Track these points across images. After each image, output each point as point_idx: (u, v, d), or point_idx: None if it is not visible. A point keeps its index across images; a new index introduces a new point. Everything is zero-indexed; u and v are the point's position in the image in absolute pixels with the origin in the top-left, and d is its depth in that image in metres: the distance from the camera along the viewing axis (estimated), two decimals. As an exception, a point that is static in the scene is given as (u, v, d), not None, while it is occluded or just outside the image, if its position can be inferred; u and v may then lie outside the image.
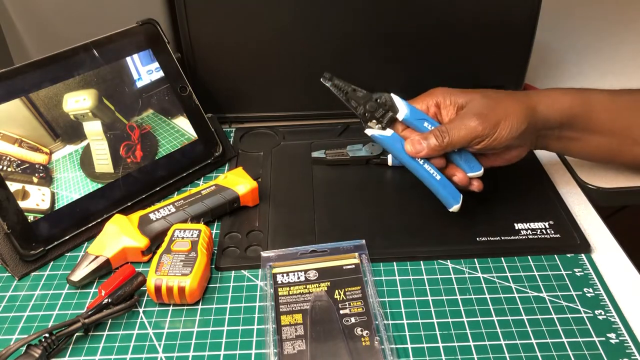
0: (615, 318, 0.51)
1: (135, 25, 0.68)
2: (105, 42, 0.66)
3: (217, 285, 0.56)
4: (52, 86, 0.62)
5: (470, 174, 0.58)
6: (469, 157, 0.58)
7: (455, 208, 0.57)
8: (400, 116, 0.58)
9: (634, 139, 0.60)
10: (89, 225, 0.61)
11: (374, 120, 0.59)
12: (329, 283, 0.54)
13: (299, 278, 0.55)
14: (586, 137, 0.60)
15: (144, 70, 0.68)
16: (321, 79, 0.59)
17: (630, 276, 0.56)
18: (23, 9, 0.70)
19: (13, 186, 0.58)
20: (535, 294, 0.54)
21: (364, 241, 0.58)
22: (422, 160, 0.57)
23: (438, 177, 0.57)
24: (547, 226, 0.60)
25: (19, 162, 0.59)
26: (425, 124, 0.58)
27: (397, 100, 0.59)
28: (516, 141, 0.57)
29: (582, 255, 0.58)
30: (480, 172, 0.58)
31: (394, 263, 0.58)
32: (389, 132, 0.59)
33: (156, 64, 0.69)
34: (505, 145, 0.57)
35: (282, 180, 0.69)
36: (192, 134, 0.70)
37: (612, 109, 0.60)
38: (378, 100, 0.59)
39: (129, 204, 0.64)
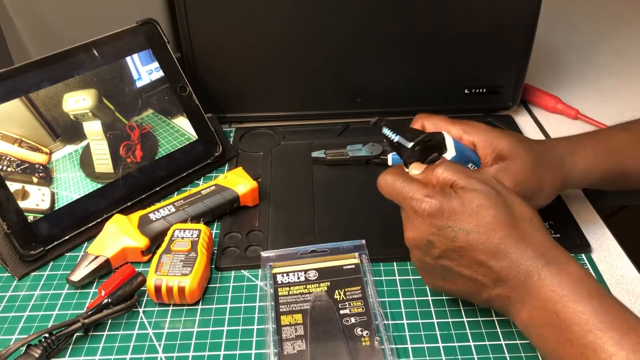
0: (615, 318, 0.51)
1: (135, 25, 0.68)
2: (105, 42, 0.66)
3: (217, 285, 0.56)
4: (52, 86, 0.62)
5: None
6: None
7: None
8: (447, 156, 0.52)
9: None
10: (89, 225, 0.61)
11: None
12: (329, 283, 0.54)
13: (299, 278, 0.55)
14: (622, 183, 0.59)
15: (144, 70, 0.68)
16: (371, 123, 0.52)
17: (630, 276, 0.56)
18: (23, 9, 0.70)
19: (13, 186, 0.58)
20: (535, 294, 0.54)
21: (364, 241, 0.58)
22: None
23: None
24: (547, 226, 0.60)
25: (19, 162, 0.59)
26: (470, 166, 0.53)
27: (449, 140, 0.52)
28: (541, 205, 0.55)
29: (582, 255, 0.58)
30: None
31: (394, 263, 0.58)
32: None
33: (156, 64, 0.69)
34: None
35: (282, 180, 0.69)
36: (192, 134, 0.70)
37: None
38: (429, 143, 0.51)
39: (129, 204, 0.64)
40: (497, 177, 0.51)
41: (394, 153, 0.59)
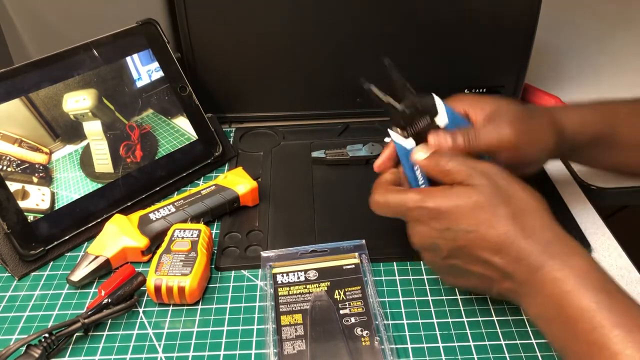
0: (615, 318, 0.51)
1: (135, 25, 0.68)
2: (105, 42, 0.66)
3: (217, 285, 0.56)
4: (52, 86, 0.62)
5: None
6: None
7: None
8: (439, 120, 0.51)
9: None
10: (89, 225, 0.61)
11: (402, 129, 0.51)
12: (329, 283, 0.54)
13: (299, 278, 0.55)
14: (612, 153, 0.57)
15: (144, 70, 0.68)
16: (363, 85, 0.51)
17: (630, 276, 0.56)
18: (23, 9, 0.70)
19: (13, 186, 0.58)
20: (535, 294, 0.54)
21: (364, 241, 0.58)
22: (422, 180, 0.52)
23: None
24: (547, 226, 0.60)
25: (19, 162, 0.59)
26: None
27: (440, 105, 0.51)
28: (540, 159, 0.54)
29: (582, 255, 0.58)
30: None
31: (394, 263, 0.58)
32: (410, 143, 0.51)
33: (156, 64, 0.69)
34: (529, 162, 0.52)
35: (282, 180, 0.69)
36: (192, 134, 0.70)
37: (638, 123, 0.56)
38: (419, 105, 0.50)
39: (129, 204, 0.64)
40: (495, 125, 0.50)
41: None
